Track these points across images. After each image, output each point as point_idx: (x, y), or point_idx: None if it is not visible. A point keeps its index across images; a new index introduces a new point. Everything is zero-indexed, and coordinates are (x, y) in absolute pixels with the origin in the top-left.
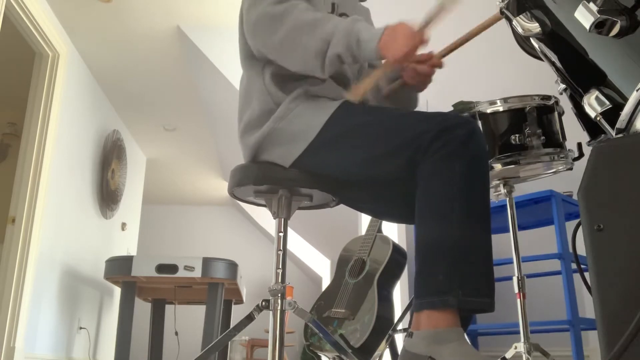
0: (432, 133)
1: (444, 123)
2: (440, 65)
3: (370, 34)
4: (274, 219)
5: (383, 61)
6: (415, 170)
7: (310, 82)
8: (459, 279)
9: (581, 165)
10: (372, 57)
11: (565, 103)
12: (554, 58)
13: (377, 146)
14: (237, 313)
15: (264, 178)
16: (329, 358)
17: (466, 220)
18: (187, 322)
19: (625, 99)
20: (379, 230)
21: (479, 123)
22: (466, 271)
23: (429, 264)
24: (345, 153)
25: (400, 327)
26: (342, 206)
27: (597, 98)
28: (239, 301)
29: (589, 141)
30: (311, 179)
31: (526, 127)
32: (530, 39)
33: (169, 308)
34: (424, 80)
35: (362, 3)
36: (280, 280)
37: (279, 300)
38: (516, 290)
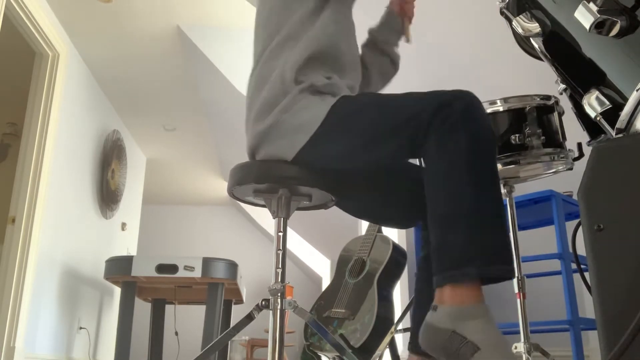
0: (430, 110)
1: (440, 98)
2: None
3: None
4: (274, 218)
5: None
6: (416, 152)
7: (318, 79)
8: (476, 249)
9: (581, 165)
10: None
11: (565, 103)
12: (554, 58)
13: (376, 128)
14: (237, 313)
15: (264, 176)
16: (329, 358)
17: (477, 190)
18: (187, 322)
19: (625, 99)
20: (379, 230)
21: None
22: (483, 241)
23: (445, 238)
24: (346, 140)
25: (400, 327)
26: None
27: (597, 98)
28: (239, 301)
29: (589, 141)
30: (311, 176)
31: (526, 127)
32: (530, 39)
33: (169, 308)
34: (412, 5)
35: None
36: (280, 280)
37: (279, 300)
38: (516, 290)
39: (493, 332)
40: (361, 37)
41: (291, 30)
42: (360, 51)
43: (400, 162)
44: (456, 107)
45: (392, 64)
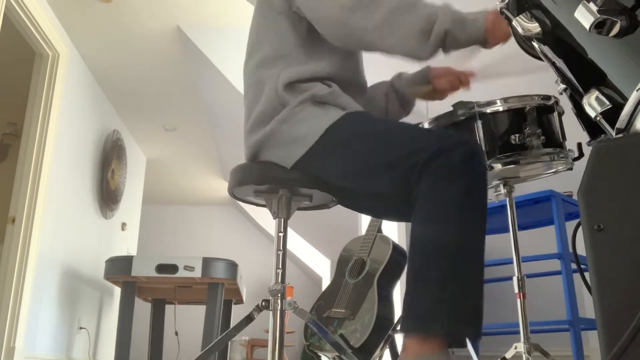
0: (429, 152)
1: (441, 142)
2: (469, 86)
3: (475, 14)
4: (274, 219)
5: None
6: (409, 191)
7: (319, 88)
8: (446, 307)
9: (581, 165)
10: (477, 35)
11: (565, 103)
12: (554, 58)
13: (372, 159)
14: (237, 313)
15: (264, 178)
16: (329, 358)
17: (459, 246)
18: (187, 322)
19: (625, 99)
20: (379, 230)
21: (479, 123)
22: (454, 299)
23: (418, 286)
24: (342, 161)
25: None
26: (342, 206)
27: (597, 98)
28: (239, 301)
29: (589, 141)
30: (312, 179)
31: (526, 127)
32: (530, 39)
33: (169, 308)
34: (449, 92)
35: None
36: (280, 280)
37: (279, 300)
38: (516, 290)
39: None
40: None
41: (283, 47)
42: (378, 82)
43: (392, 192)
44: (455, 155)
45: (403, 110)
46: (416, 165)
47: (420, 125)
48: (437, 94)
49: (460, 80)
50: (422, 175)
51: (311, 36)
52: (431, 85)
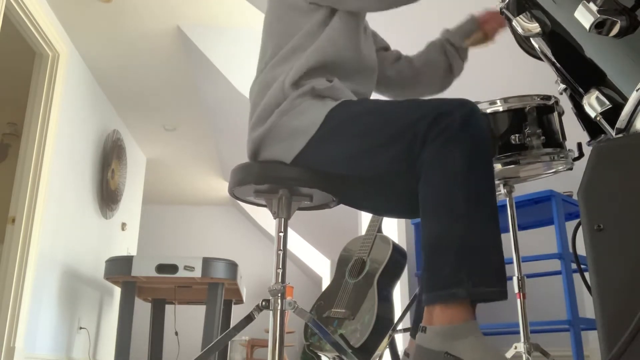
0: (427, 119)
1: (439, 108)
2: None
3: None
4: (274, 219)
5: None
6: (415, 161)
7: (319, 82)
8: (467, 270)
9: (581, 165)
10: None
11: (565, 103)
12: (554, 58)
13: (373, 135)
14: (237, 313)
15: (265, 177)
16: (329, 358)
17: (471, 210)
18: (187, 322)
19: (625, 99)
20: (379, 230)
21: None
22: (474, 262)
23: (436, 258)
24: (343, 145)
25: (400, 327)
26: (342, 206)
27: (597, 98)
28: (239, 301)
29: (589, 141)
30: (312, 177)
31: (526, 127)
32: (530, 39)
33: (169, 308)
34: (496, 29)
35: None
36: (280, 280)
37: (279, 300)
38: (516, 290)
39: (486, 349)
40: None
41: (298, 42)
42: (423, 49)
43: (398, 170)
44: (454, 117)
45: (450, 71)
46: (417, 136)
47: None
48: (488, 39)
49: (501, 18)
50: (425, 144)
51: (322, 25)
52: (481, 32)
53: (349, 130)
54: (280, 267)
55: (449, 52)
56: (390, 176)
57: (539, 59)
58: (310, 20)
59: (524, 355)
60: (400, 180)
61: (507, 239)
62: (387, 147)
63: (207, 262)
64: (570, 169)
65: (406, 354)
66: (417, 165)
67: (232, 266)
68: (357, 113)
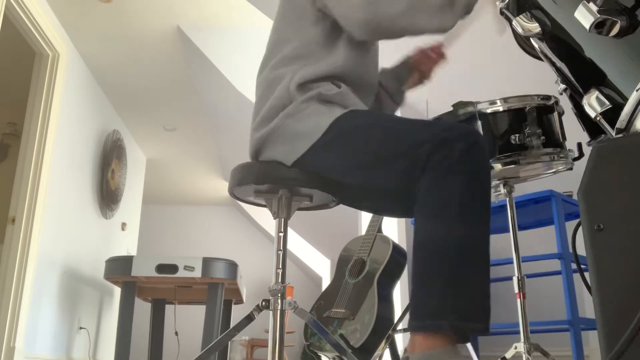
0: (430, 145)
1: (443, 134)
2: (445, 55)
3: None
4: (274, 219)
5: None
6: (413, 182)
7: (327, 88)
8: (452, 303)
9: (581, 165)
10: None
11: (565, 103)
12: (554, 58)
13: (375, 151)
14: (237, 313)
15: (265, 177)
16: (329, 358)
17: (463, 240)
18: (187, 322)
19: (625, 99)
20: (379, 230)
21: (479, 123)
22: (460, 295)
23: (423, 286)
24: (345, 155)
25: (400, 327)
26: (342, 206)
27: (597, 98)
28: (239, 301)
29: (589, 141)
30: (312, 177)
31: (526, 127)
32: (530, 39)
33: (169, 308)
34: (431, 68)
35: None
36: (280, 280)
37: (279, 300)
38: (516, 290)
39: None
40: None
41: (306, 49)
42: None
43: (396, 186)
44: (456, 148)
45: (397, 104)
46: (419, 159)
47: None
48: (425, 78)
49: (437, 53)
50: (424, 170)
51: (332, 34)
52: (417, 73)
53: (352, 142)
54: (280, 267)
55: (380, 94)
56: (389, 189)
57: (539, 59)
58: (317, 28)
59: (524, 355)
60: (397, 192)
61: (507, 239)
62: (388, 164)
63: (207, 262)
64: (570, 169)
65: (405, 351)
66: (416, 187)
67: (232, 266)
68: (363, 125)
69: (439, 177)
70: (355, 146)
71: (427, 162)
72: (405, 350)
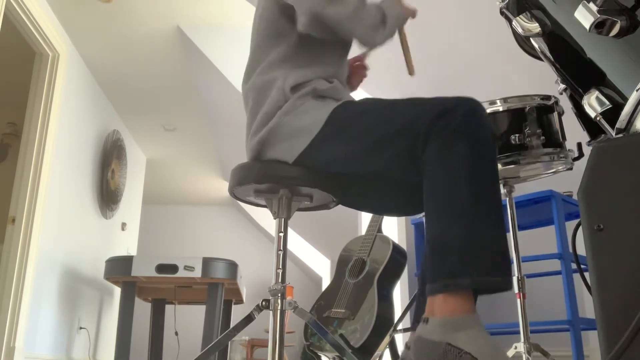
0: (429, 117)
1: (441, 105)
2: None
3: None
4: (274, 219)
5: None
6: (417, 159)
7: (320, 83)
8: (472, 261)
9: (581, 165)
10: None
11: (565, 103)
12: (554, 58)
13: (375, 134)
14: (237, 313)
15: (265, 176)
16: (329, 358)
17: (476, 200)
18: (187, 322)
19: (625, 99)
20: (379, 230)
21: None
22: (479, 252)
23: (440, 252)
24: (345, 145)
25: (400, 327)
26: (342, 206)
27: (597, 98)
28: (239, 301)
29: (589, 141)
30: (312, 177)
31: (526, 127)
32: (530, 39)
33: (169, 308)
34: (360, 79)
35: None
36: (280, 280)
37: (279, 300)
38: (516, 290)
39: (487, 342)
40: None
41: (289, 50)
42: None
43: (401, 167)
44: (458, 112)
45: None
46: (419, 133)
47: None
48: (352, 89)
49: (361, 65)
50: (427, 142)
51: (311, 38)
52: (347, 85)
53: (351, 129)
54: (280, 267)
55: None
56: (393, 173)
57: (539, 59)
58: (292, 32)
59: (524, 355)
60: (401, 177)
61: (507, 239)
62: (390, 145)
63: (207, 262)
64: (570, 169)
65: (407, 346)
66: (420, 163)
67: (232, 266)
68: (360, 112)
69: (443, 145)
70: (356, 133)
71: (428, 133)
72: (406, 347)
